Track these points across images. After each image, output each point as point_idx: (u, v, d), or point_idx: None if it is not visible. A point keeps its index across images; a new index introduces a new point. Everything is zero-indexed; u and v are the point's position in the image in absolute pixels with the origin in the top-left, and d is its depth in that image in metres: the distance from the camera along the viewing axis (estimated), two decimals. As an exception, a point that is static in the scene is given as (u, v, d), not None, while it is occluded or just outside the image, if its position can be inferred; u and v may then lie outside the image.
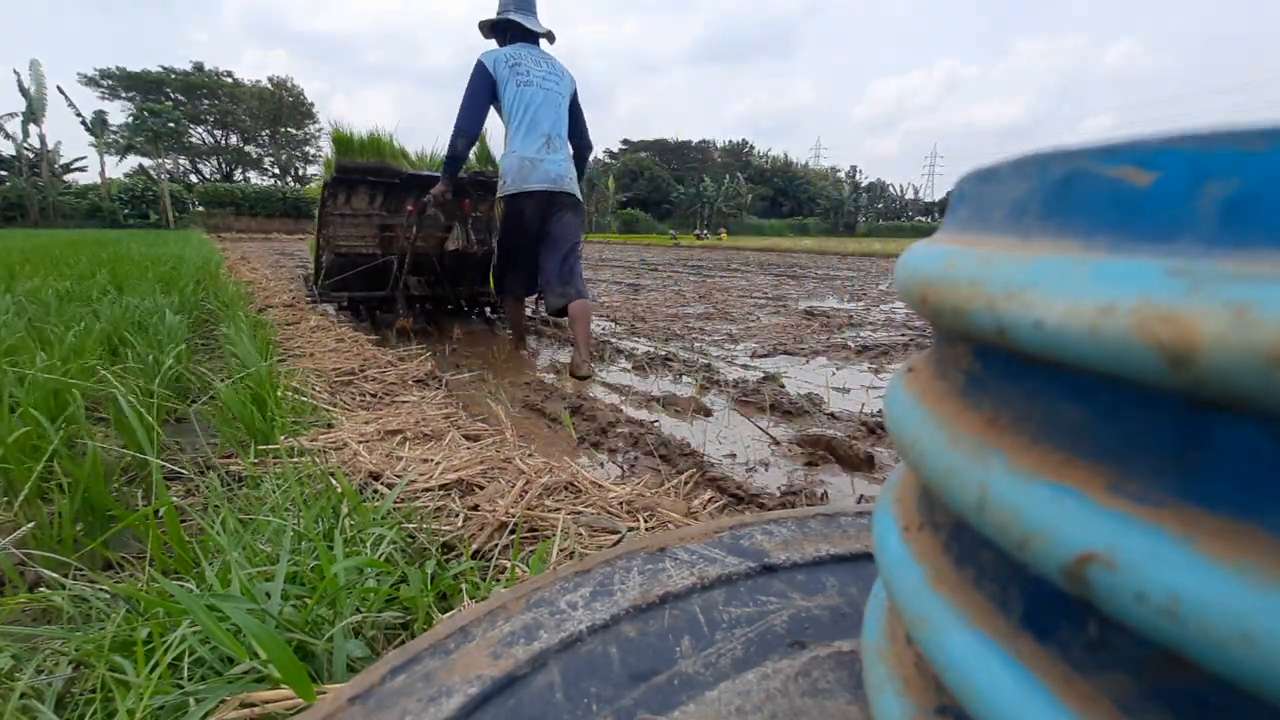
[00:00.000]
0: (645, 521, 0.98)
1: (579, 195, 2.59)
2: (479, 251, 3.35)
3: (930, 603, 0.09)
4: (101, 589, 0.72)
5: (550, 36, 2.64)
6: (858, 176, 57.64)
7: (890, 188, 56.96)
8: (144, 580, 0.78)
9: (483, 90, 2.47)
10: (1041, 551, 0.07)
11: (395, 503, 1.00)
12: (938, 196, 64.05)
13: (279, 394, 1.60)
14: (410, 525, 0.94)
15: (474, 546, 0.92)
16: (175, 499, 1.09)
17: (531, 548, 0.91)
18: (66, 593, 0.71)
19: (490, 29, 2.65)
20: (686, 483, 1.29)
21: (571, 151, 2.64)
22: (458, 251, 3.34)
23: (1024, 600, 0.09)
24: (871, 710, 0.11)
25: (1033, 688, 0.08)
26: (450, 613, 0.73)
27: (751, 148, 61.04)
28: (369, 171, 3.02)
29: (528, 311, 3.23)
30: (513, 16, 2.54)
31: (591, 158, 3.12)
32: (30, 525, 0.90)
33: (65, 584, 0.73)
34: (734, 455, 1.61)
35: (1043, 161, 0.09)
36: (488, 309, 3.64)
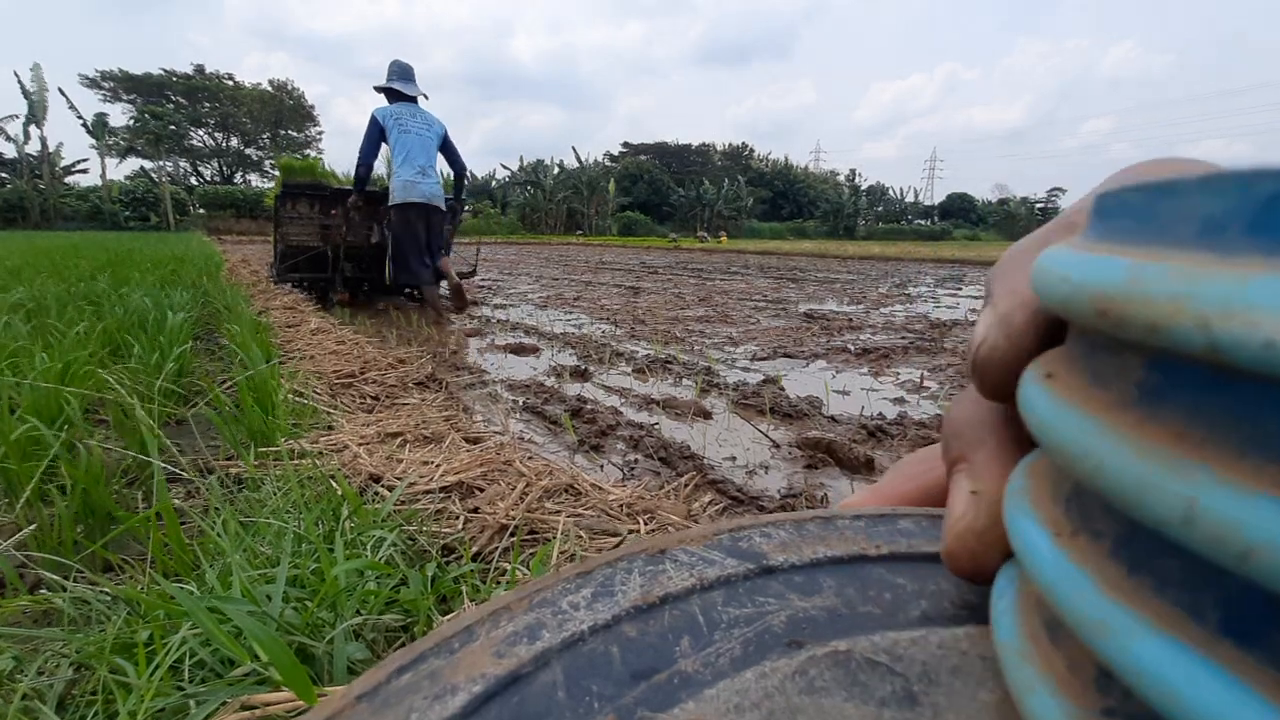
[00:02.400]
0: (646, 524, 0.98)
1: (444, 208, 3.92)
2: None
3: (1108, 610, 0.09)
4: (103, 591, 0.72)
5: (424, 96, 3.89)
6: (857, 179, 57.69)
7: (890, 191, 56.99)
8: (144, 582, 0.79)
9: (375, 136, 3.77)
10: (1268, 563, 0.08)
11: (396, 505, 1.00)
12: (938, 199, 64.15)
13: (280, 396, 1.60)
14: (410, 528, 0.95)
15: (474, 549, 0.92)
16: (176, 501, 1.09)
17: (532, 550, 0.91)
18: (67, 595, 0.71)
19: (383, 92, 3.86)
20: (687, 485, 1.29)
21: (448, 176, 4.06)
22: (380, 244, 4.41)
23: (1223, 607, 0.09)
24: (1023, 711, 0.11)
25: (1239, 691, 0.08)
26: (453, 613, 0.73)
27: (751, 151, 61.15)
28: (306, 187, 4.28)
29: (441, 291, 4.12)
30: (396, 86, 3.79)
31: (469, 176, 4.61)
32: (32, 527, 0.90)
33: (66, 586, 0.73)
34: (734, 458, 1.62)
35: (1246, 180, 0.09)
36: (408, 289, 4.69)
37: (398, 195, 3.74)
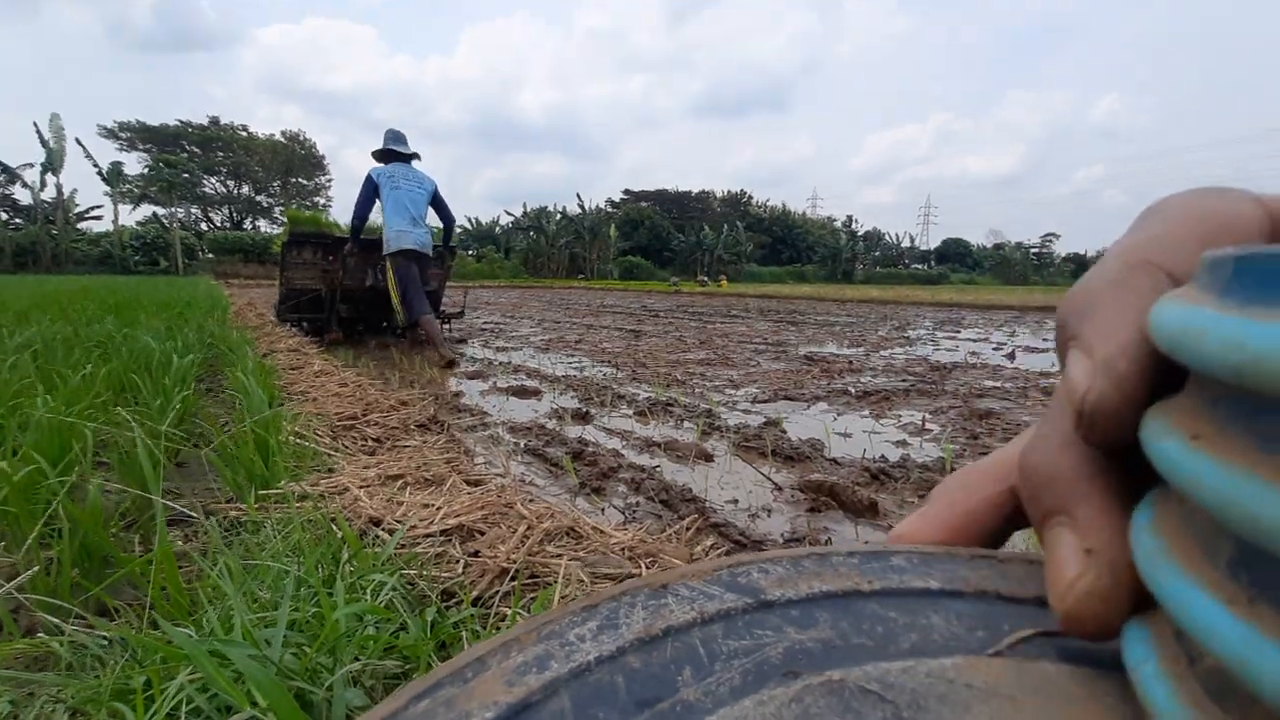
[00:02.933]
0: (648, 568, 0.97)
1: (431, 254, 4.40)
2: (385, 289, 4.74)
3: None
4: (100, 635, 0.71)
5: (417, 156, 4.37)
6: (854, 225, 58.71)
7: (886, 236, 57.95)
8: (142, 626, 0.78)
9: (369, 193, 4.22)
10: None
11: (396, 548, 1.00)
12: (933, 244, 65.11)
13: (282, 438, 1.60)
14: (411, 571, 0.94)
15: (474, 594, 0.91)
16: (176, 543, 1.09)
17: (533, 595, 0.91)
18: (65, 639, 0.71)
19: (379, 154, 4.34)
20: (689, 529, 1.28)
21: (439, 227, 4.63)
22: (373, 288, 4.89)
23: None
24: None
25: None
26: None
27: (750, 198, 62.44)
28: (311, 235, 4.77)
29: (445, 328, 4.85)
30: (391, 147, 4.28)
31: (459, 229, 5.42)
32: (33, 570, 0.90)
33: (63, 629, 0.73)
34: (736, 501, 1.61)
35: None
36: (396, 330, 4.97)
37: (391, 244, 4.20)
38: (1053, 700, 0.14)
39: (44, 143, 31.46)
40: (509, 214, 42.08)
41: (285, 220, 5.11)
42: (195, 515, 1.12)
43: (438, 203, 4.44)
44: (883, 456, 1.97)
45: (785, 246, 54.85)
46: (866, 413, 2.66)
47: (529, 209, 39.97)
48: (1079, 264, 57.08)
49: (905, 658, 0.16)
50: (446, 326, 5.44)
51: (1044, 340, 6.01)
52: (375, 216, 4.47)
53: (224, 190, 46.80)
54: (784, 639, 0.16)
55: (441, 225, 4.80)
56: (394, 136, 4.33)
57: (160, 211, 38.01)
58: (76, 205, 33.19)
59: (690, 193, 60.48)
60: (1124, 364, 0.14)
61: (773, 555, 0.21)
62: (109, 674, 0.62)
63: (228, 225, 45.03)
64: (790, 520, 1.49)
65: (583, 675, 0.16)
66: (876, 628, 0.17)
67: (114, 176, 34.63)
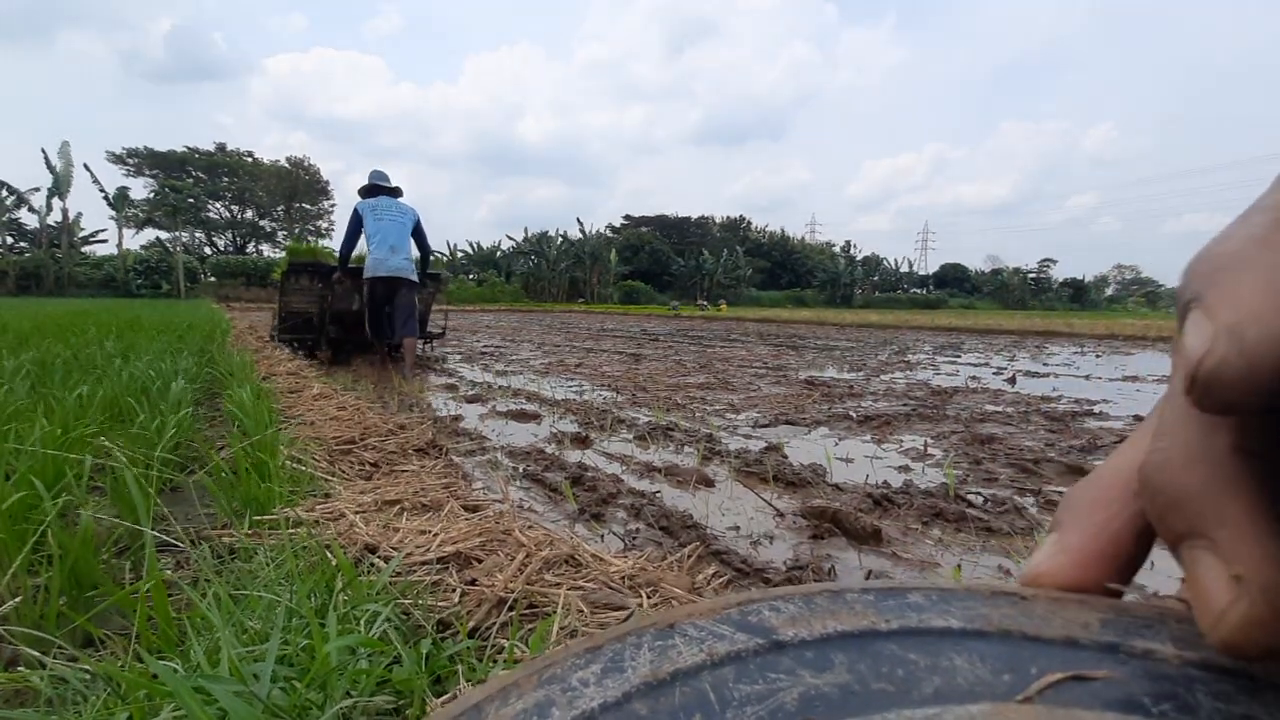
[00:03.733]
0: (649, 597, 0.95)
1: (414, 279, 4.67)
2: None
3: None
4: (83, 669, 0.69)
5: (399, 191, 4.78)
6: (853, 250, 59.22)
7: (885, 261, 58.40)
8: (126, 659, 0.75)
9: (355, 224, 4.65)
10: None
11: (391, 577, 0.98)
12: (931, 269, 65.62)
13: (278, 462, 1.58)
14: (406, 600, 0.92)
15: (471, 624, 0.89)
16: (166, 571, 1.06)
17: (531, 625, 0.88)
18: (46, 672, 0.68)
19: (364, 190, 4.75)
20: (690, 556, 1.26)
21: (415, 255, 4.78)
22: (359, 310, 5.10)
23: None
24: None
25: None
26: (449, 694, 0.70)
27: (749, 223, 63.11)
28: (307, 264, 5.24)
29: (419, 347, 5.34)
30: (376, 183, 4.71)
31: (434, 257, 5.66)
32: (16, 600, 0.88)
33: (45, 663, 0.71)
34: (738, 528, 1.58)
35: None
36: (390, 353, 5.27)
37: (369, 270, 4.60)
38: None
39: (51, 168, 31.88)
40: (510, 238, 42.46)
41: (286, 249, 6.07)
42: (182, 544, 1.10)
43: (418, 233, 4.79)
44: (885, 482, 1.95)
45: (784, 271, 55.25)
46: (868, 438, 2.64)
47: (530, 234, 40.37)
48: (1076, 288, 57.45)
49: (929, 704, 0.14)
50: (430, 344, 6.17)
51: (1044, 365, 6.02)
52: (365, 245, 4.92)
53: (228, 215, 47.30)
54: (799, 683, 0.15)
55: (421, 255, 5.18)
56: (378, 175, 4.78)
57: (164, 236, 38.38)
58: (81, 229, 33.53)
59: (690, 218, 61.14)
60: (1254, 332, 0.13)
61: (784, 592, 0.20)
62: (89, 711, 0.60)
63: (231, 249, 45.40)
64: (793, 547, 1.47)
65: None
66: (896, 671, 0.16)
67: (120, 201, 35.02)
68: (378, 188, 4.69)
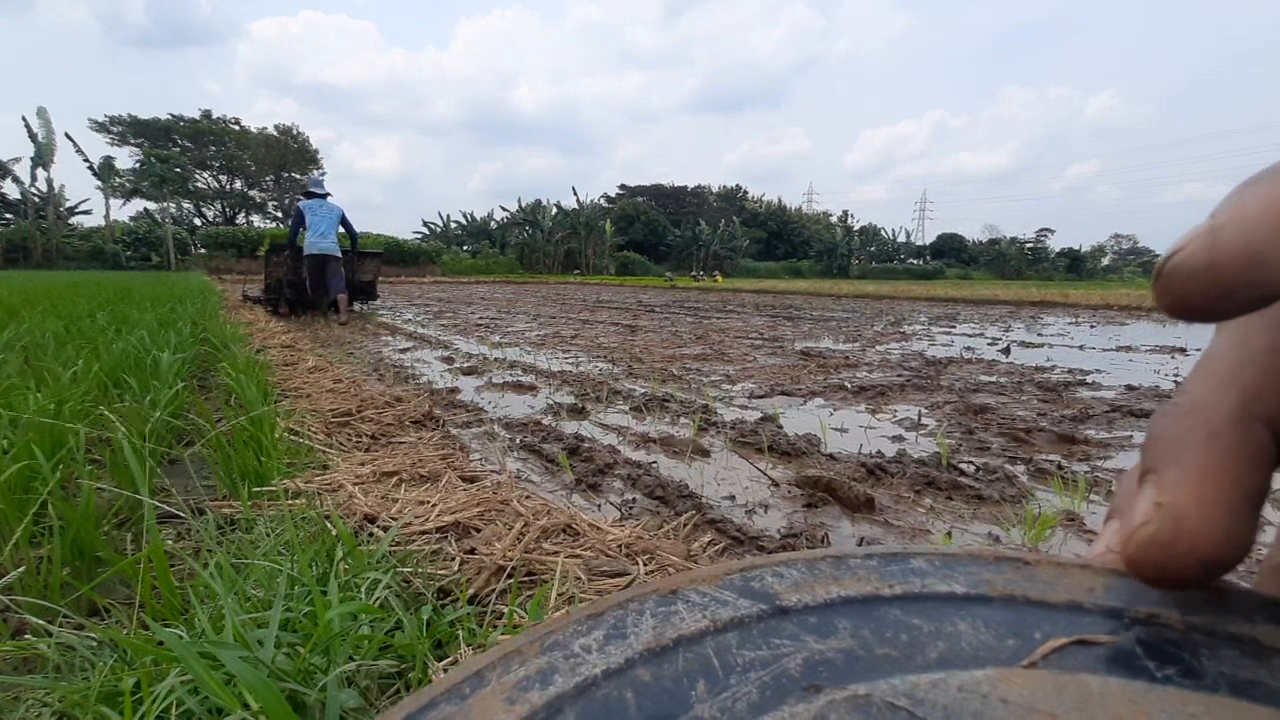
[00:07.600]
0: (645, 565, 0.97)
1: (339, 255, 6.71)
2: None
3: None
4: (90, 636, 0.70)
5: (330, 194, 6.71)
6: (850, 220, 58.75)
7: (882, 231, 57.98)
8: (132, 627, 0.76)
9: (299, 219, 6.59)
10: None
11: (391, 546, 0.99)
12: (929, 239, 65.24)
13: (276, 435, 1.59)
14: (406, 569, 0.93)
15: (471, 591, 0.90)
16: (167, 542, 1.07)
17: (530, 592, 0.90)
18: (52, 640, 0.69)
19: (305, 194, 6.65)
20: (686, 525, 1.28)
21: (342, 236, 6.82)
22: (302, 279, 7.00)
23: None
24: None
25: None
26: (450, 658, 0.71)
27: (746, 193, 62.38)
28: (283, 246, 7.10)
29: (356, 307, 7.90)
30: (313, 190, 6.65)
31: (360, 235, 7.96)
32: (20, 570, 0.88)
33: (51, 631, 0.71)
34: (733, 497, 1.60)
35: None
36: (330, 308, 7.06)
37: (308, 249, 6.57)
38: (1096, 718, 0.13)
39: (33, 136, 31.14)
40: (504, 209, 41.95)
41: (270, 234, 9.01)
42: (183, 515, 1.10)
43: (346, 223, 6.78)
44: (879, 451, 1.96)
45: (781, 242, 54.85)
46: (863, 408, 2.66)
47: (524, 204, 39.82)
48: (1073, 258, 57.31)
49: (933, 670, 0.15)
50: (374, 302, 8.53)
51: (1038, 335, 6.03)
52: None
53: (216, 185, 46.42)
54: (803, 649, 0.15)
55: (349, 237, 7.15)
56: (315, 182, 6.79)
57: (152, 206, 37.72)
58: (67, 200, 32.90)
59: (686, 188, 60.38)
60: (1230, 232, 0.13)
61: (786, 558, 0.20)
62: (97, 676, 0.61)
63: (220, 220, 44.68)
64: (787, 516, 1.49)
65: (589, 691, 0.15)
66: (900, 636, 0.16)
67: (105, 171, 34.32)
68: (313, 194, 6.65)
